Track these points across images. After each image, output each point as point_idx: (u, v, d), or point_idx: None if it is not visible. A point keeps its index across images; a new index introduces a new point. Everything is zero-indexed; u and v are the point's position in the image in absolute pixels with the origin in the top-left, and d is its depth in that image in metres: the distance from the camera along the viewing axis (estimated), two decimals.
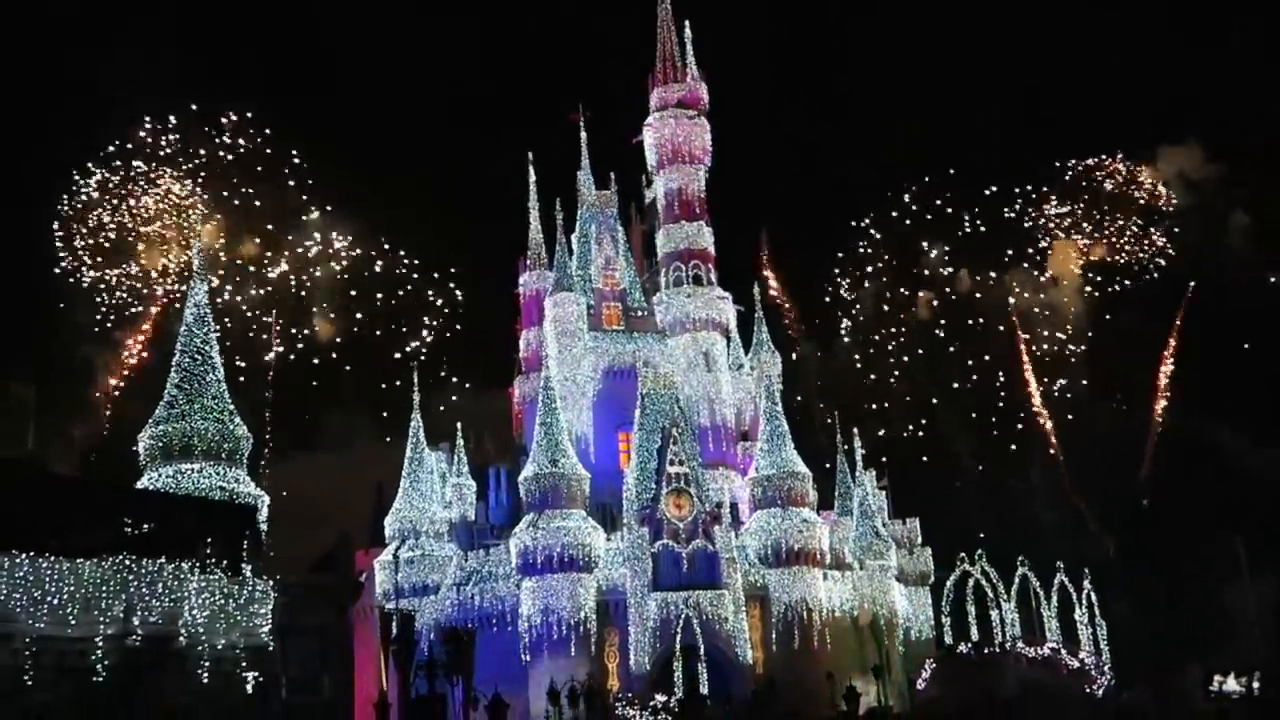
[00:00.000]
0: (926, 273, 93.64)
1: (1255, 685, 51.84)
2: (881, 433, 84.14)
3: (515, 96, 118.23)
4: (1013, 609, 62.70)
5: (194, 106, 78.93)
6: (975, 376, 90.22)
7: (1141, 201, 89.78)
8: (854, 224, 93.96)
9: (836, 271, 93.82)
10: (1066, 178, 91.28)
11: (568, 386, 61.55)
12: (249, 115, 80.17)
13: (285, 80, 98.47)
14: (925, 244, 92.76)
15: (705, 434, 62.18)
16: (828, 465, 63.85)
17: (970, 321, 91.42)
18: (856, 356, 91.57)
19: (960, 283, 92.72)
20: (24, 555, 27.23)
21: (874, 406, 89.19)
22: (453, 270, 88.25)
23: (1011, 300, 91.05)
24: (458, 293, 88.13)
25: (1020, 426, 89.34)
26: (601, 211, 69.67)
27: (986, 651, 59.42)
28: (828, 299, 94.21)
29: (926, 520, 67.51)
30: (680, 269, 65.62)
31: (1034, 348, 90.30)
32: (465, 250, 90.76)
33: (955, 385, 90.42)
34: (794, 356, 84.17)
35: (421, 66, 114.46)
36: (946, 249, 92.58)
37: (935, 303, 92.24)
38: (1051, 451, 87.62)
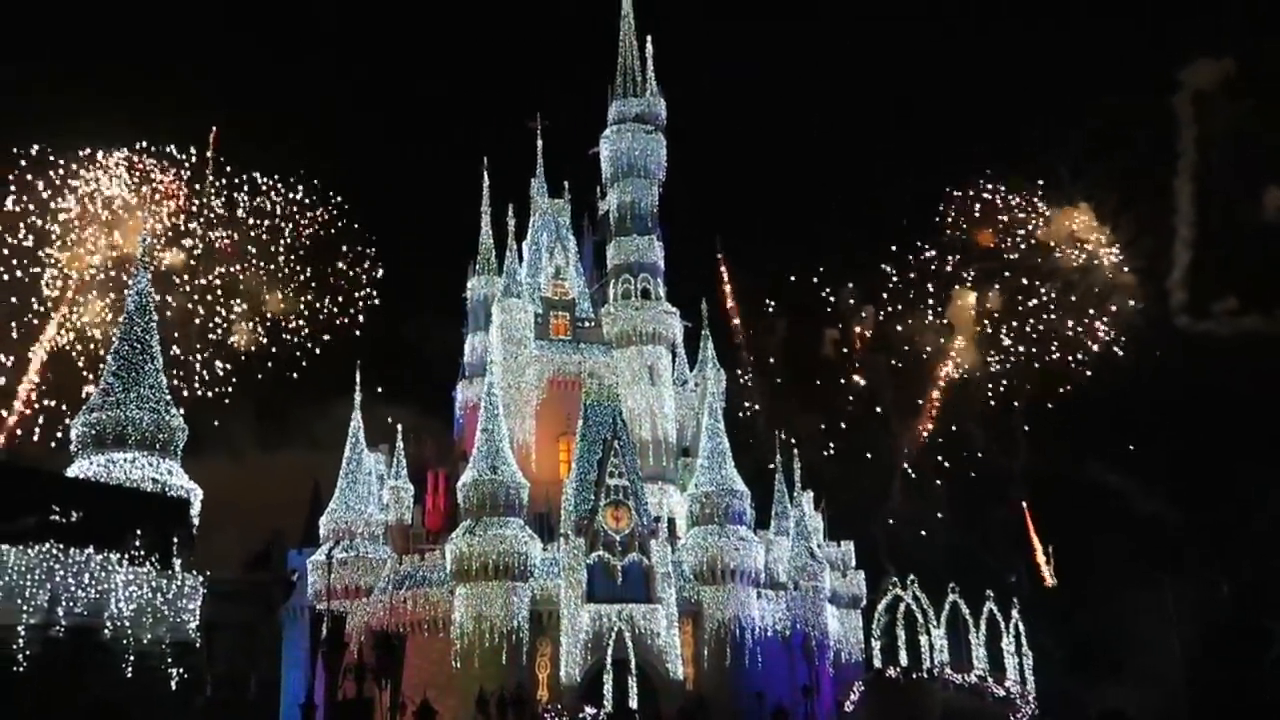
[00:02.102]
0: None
1: None
2: (827, 451, 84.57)
3: (472, 100, 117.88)
4: (942, 635, 63.25)
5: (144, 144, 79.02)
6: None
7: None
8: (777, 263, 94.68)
9: (769, 303, 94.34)
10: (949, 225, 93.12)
11: (511, 393, 61.41)
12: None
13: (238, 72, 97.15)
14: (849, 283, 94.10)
15: (646, 447, 62.25)
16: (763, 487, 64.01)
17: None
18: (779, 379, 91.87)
19: (865, 323, 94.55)
20: None
21: (819, 428, 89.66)
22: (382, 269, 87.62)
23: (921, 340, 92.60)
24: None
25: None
26: (554, 220, 69.80)
27: (914, 676, 59.99)
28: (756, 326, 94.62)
29: (860, 544, 68.16)
30: (629, 281, 65.68)
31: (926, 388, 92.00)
32: (414, 249, 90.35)
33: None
34: (739, 374, 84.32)
35: (382, 63, 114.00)
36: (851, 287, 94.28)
37: (836, 340, 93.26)
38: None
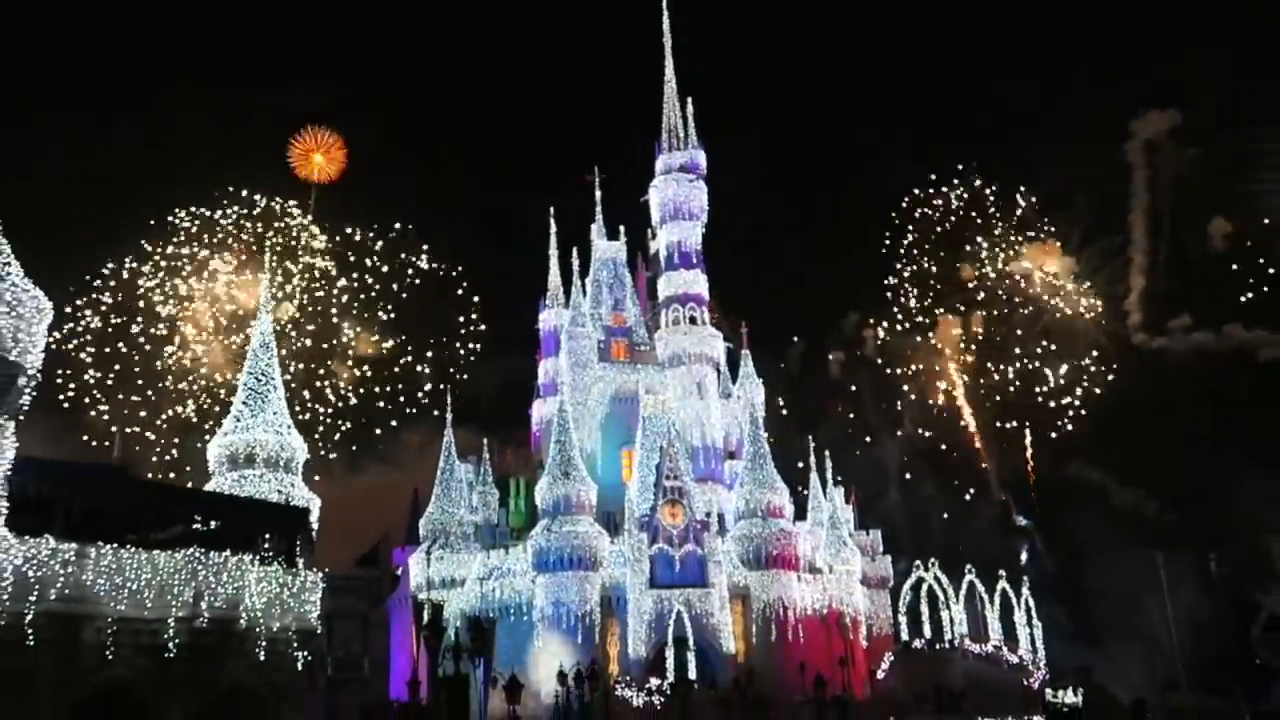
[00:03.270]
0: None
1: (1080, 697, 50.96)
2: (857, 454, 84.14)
3: (539, 160, 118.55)
4: (961, 610, 62.36)
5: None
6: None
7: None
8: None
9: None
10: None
11: (579, 410, 61.53)
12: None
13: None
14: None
15: (697, 453, 62.12)
16: (801, 489, 63.62)
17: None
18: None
19: (867, 344, 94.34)
20: (108, 547, 27.05)
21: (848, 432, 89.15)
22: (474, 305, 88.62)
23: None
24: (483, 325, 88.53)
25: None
26: (612, 260, 69.89)
27: (937, 647, 59.19)
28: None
29: (886, 532, 67.53)
30: (678, 310, 65.71)
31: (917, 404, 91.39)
32: (493, 291, 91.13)
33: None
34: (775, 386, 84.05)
35: (459, 127, 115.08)
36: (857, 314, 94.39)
37: (842, 360, 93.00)
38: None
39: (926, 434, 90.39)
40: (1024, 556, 76.47)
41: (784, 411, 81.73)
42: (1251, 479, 63.49)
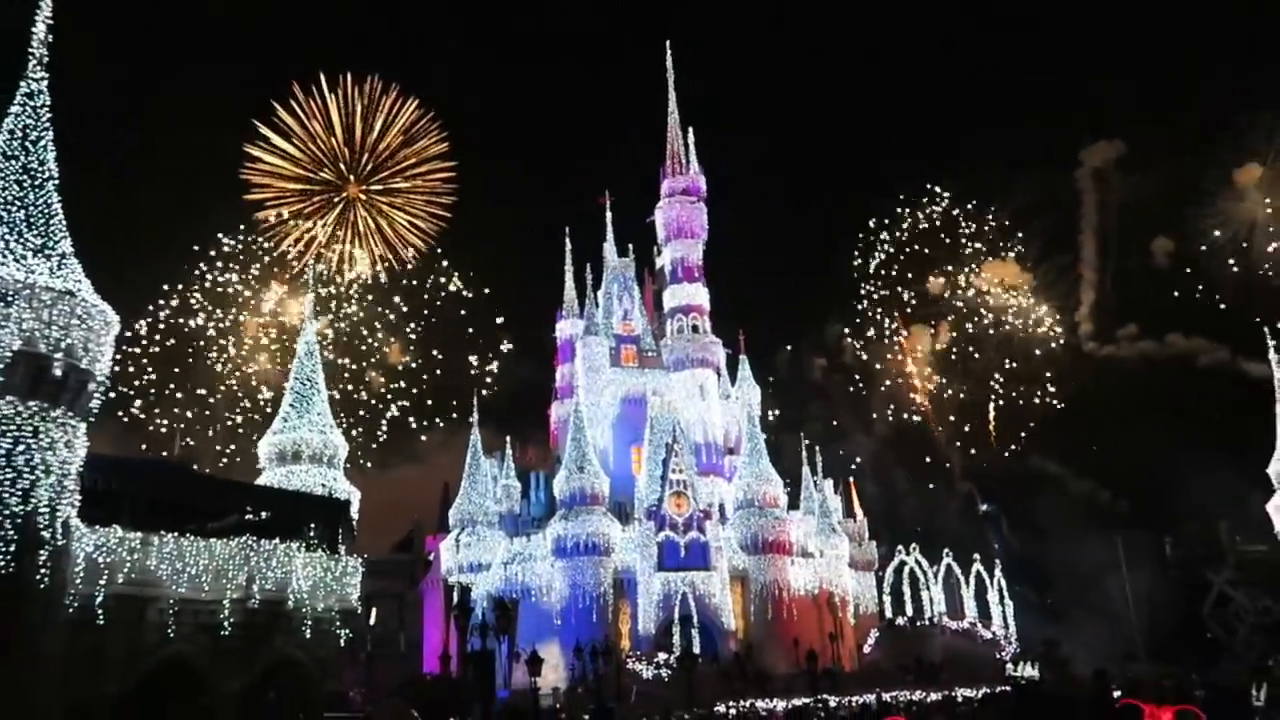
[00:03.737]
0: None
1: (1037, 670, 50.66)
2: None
3: (554, 185, 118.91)
4: (939, 590, 62.30)
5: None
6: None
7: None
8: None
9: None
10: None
11: (593, 410, 61.57)
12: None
13: None
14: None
15: (699, 449, 62.04)
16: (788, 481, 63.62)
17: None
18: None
19: (845, 351, 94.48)
20: (170, 535, 27.19)
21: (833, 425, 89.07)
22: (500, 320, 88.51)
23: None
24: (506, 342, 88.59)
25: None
26: (622, 274, 69.93)
27: (918, 624, 59.14)
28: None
29: (871, 519, 67.44)
30: (682, 320, 65.75)
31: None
32: (511, 306, 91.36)
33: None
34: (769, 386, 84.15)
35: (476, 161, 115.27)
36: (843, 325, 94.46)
37: (824, 365, 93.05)
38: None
39: (897, 430, 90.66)
40: (993, 540, 76.19)
41: (776, 412, 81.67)
42: (1200, 471, 63.41)
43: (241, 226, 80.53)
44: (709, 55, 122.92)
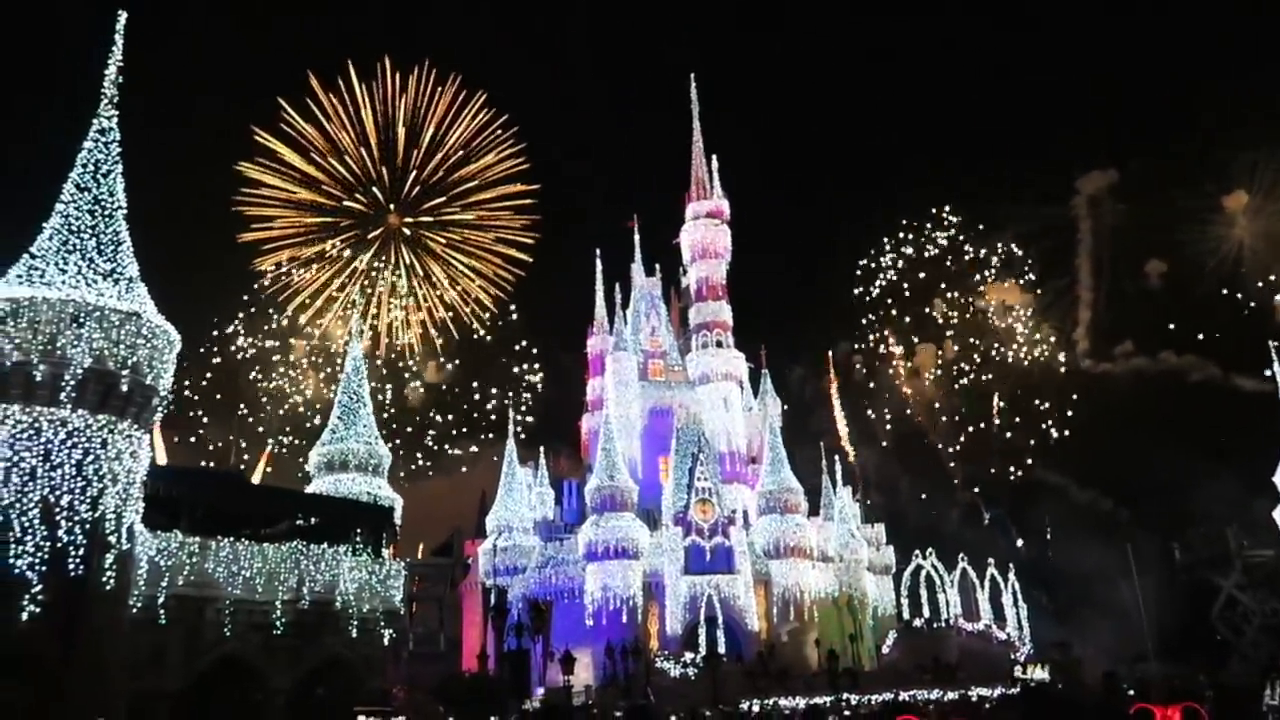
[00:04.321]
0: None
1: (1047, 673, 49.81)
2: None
3: (587, 209, 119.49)
4: (955, 593, 61.69)
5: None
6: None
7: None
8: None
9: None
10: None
11: (622, 422, 61.62)
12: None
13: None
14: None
15: (724, 458, 61.95)
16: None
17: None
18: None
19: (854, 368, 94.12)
20: (225, 540, 27.62)
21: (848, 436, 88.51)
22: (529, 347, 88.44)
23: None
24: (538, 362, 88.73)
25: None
26: (649, 293, 70.06)
27: (935, 626, 58.52)
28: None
29: (890, 525, 66.96)
30: (707, 336, 65.80)
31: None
32: (545, 323, 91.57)
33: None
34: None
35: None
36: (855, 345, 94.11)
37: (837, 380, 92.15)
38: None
39: (902, 441, 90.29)
40: (1003, 546, 75.46)
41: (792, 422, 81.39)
42: (1206, 479, 62.65)
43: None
44: (731, 84, 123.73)
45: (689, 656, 48.87)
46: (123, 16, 27.35)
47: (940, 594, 61.69)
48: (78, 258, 25.00)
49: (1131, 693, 25.16)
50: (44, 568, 22.79)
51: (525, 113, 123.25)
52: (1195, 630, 62.27)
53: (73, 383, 23.81)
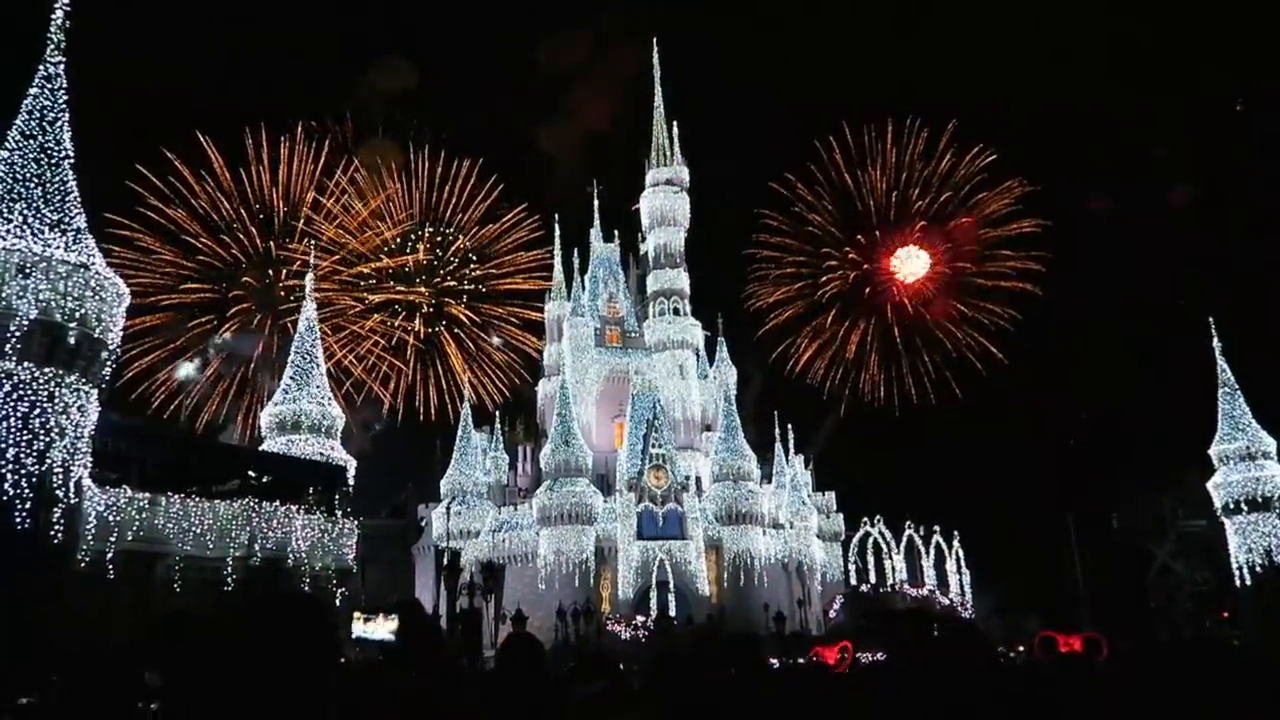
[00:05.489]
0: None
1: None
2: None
3: (545, 173, 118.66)
4: (901, 560, 63.11)
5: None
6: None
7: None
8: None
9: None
10: None
11: (578, 388, 61.80)
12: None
13: None
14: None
15: (678, 425, 62.33)
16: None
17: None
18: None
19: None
20: (176, 496, 27.50)
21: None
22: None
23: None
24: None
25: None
26: (608, 259, 70.15)
27: (881, 590, 59.88)
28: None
29: (839, 492, 68.11)
30: (664, 303, 65.89)
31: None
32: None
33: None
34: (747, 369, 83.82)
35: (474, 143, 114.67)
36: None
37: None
38: None
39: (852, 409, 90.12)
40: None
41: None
42: (1145, 450, 64.66)
43: None
44: (696, 50, 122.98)
45: (640, 620, 49.49)
46: None
47: (886, 560, 63.11)
48: (23, 206, 24.49)
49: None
50: None
51: (485, 81, 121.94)
52: (1132, 597, 64.47)
53: (18, 334, 23.43)
